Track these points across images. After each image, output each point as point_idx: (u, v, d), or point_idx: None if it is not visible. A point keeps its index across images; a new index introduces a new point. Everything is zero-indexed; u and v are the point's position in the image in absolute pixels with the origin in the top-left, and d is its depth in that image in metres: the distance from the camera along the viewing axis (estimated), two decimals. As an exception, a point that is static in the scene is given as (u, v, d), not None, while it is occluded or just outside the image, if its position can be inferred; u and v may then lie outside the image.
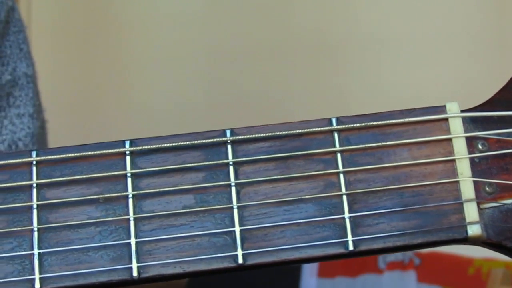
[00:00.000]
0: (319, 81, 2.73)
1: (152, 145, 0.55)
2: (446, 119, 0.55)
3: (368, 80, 2.62)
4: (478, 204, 0.54)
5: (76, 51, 2.98)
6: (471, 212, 0.54)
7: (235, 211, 0.54)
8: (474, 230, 0.54)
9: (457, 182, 0.54)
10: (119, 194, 0.55)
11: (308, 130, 0.55)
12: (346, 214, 0.54)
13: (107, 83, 2.99)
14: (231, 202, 0.54)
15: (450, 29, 2.58)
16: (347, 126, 0.55)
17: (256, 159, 0.55)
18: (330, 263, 2.35)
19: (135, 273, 0.53)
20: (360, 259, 2.35)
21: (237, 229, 0.54)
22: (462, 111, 0.56)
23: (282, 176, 0.55)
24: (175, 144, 0.55)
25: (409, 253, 2.33)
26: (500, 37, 2.44)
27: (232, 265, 0.53)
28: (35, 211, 0.55)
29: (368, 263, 2.32)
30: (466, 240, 0.54)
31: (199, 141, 0.55)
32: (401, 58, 2.62)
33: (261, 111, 2.32)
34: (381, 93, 2.44)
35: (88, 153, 0.56)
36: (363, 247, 0.54)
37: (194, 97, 2.90)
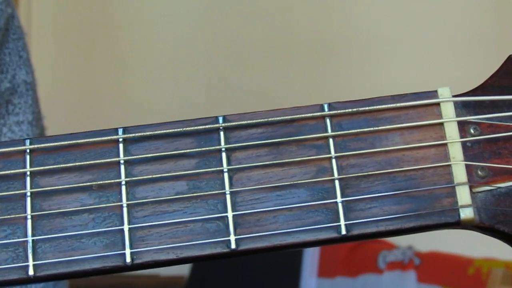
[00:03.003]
0: (317, 79, 2.73)
1: (144, 132, 0.56)
2: (438, 104, 0.56)
3: (366, 78, 2.62)
4: (471, 187, 0.54)
5: (76, 51, 2.98)
6: (463, 195, 0.54)
7: (228, 196, 0.54)
8: (466, 214, 0.54)
9: (449, 166, 0.54)
10: (112, 181, 0.55)
11: (300, 116, 0.55)
12: (339, 199, 0.54)
13: (106, 83, 2.99)
14: (224, 188, 0.54)
15: (448, 27, 2.58)
16: (339, 111, 0.55)
17: (248, 145, 0.55)
18: (330, 263, 2.35)
19: (128, 259, 0.54)
20: (360, 259, 2.34)
21: (229, 214, 0.54)
22: (454, 96, 0.56)
23: (274, 162, 0.55)
24: (167, 131, 0.56)
25: (409, 253, 2.33)
26: (499, 36, 2.44)
27: (225, 250, 0.54)
28: (28, 199, 0.55)
29: (368, 263, 2.32)
30: (459, 223, 0.54)
31: (192, 128, 0.56)
32: (398, 57, 2.62)
33: (259, 109, 2.32)
34: (378, 90, 2.44)
35: (81, 141, 0.56)
36: (355, 232, 0.54)
37: (192, 96, 2.90)
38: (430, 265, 2.31)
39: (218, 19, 2.91)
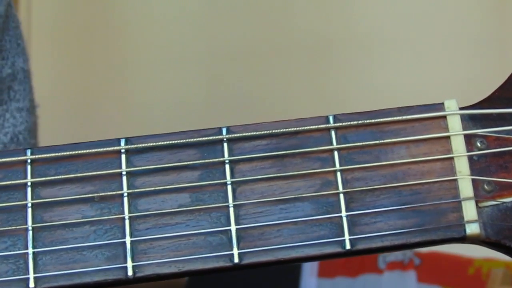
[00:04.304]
0: (317, 81, 2.73)
1: (147, 143, 0.55)
2: (445, 117, 0.55)
3: (366, 80, 2.62)
4: (477, 202, 0.53)
5: (76, 51, 2.97)
6: (469, 210, 0.53)
7: (231, 209, 0.54)
8: (472, 229, 0.53)
9: (456, 180, 0.54)
10: (114, 192, 0.54)
11: (305, 128, 0.55)
12: (343, 213, 0.53)
13: (106, 84, 2.99)
14: (227, 201, 0.54)
15: (448, 28, 2.57)
16: (344, 124, 0.55)
17: (252, 157, 0.54)
18: (330, 263, 2.34)
19: (130, 273, 0.53)
20: (360, 259, 2.34)
21: (233, 228, 0.53)
22: (461, 109, 0.55)
23: (278, 175, 0.54)
24: (170, 142, 0.55)
25: (409, 253, 2.32)
26: (500, 38, 2.44)
27: (228, 264, 0.53)
28: (29, 210, 0.54)
29: (368, 263, 2.32)
30: (465, 239, 0.53)
31: (195, 139, 0.55)
32: (399, 58, 2.62)
33: (260, 111, 2.31)
34: (379, 93, 2.44)
35: (83, 151, 0.55)
36: (360, 246, 0.53)
37: (192, 98, 2.89)
38: (430, 265, 2.31)
39: (219, 20, 2.90)
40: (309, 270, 2.33)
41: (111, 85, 2.97)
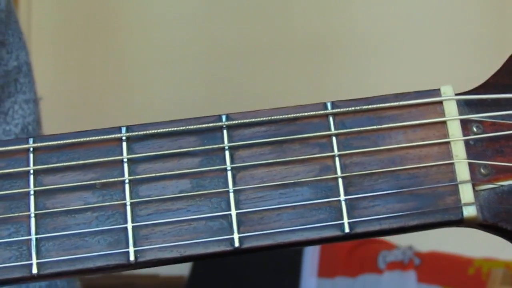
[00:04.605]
0: (317, 79, 2.73)
1: (148, 130, 0.56)
2: (441, 102, 0.56)
3: (367, 77, 2.62)
4: (474, 185, 0.54)
5: (76, 51, 2.98)
6: (466, 193, 0.54)
7: (231, 195, 0.54)
8: (469, 212, 0.54)
9: (452, 164, 0.54)
10: (116, 179, 0.55)
11: (304, 114, 0.56)
12: (342, 197, 0.54)
13: (106, 83, 2.99)
14: (227, 186, 0.54)
15: (448, 26, 2.58)
16: (342, 110, 0.56)
17: (251, 143, 0.55)
18: (330, 263, 2.35)
19: (132, 257, 0.54)
20: (360, 259, 2.34)
21: (233, 212, 0.54)
22: (457, 94, 0.56)
23: (277, 160, 0.55)
24: (171, 129, 0.56)
25: (409, 253, 2.33)
26: (499, 35, 2.44)
27: (229, 248, 0.54)
28: (32, 197, 0.55)
29: (368, 263, 2.32)
30: (462, 221, 0.54)
31: (195, 126, 0.56)
32: (399, 57, 2.62)
33: (259, 108, 2.32)
34: (380, 90, 2.44)
35: (85, 139, 0.56)
36: (359, 230, 0.54)
37: (193, 96, 2.90)
38: (430, 265, 2.32)
39: (219, 19, 2.91)
40: (309, 270, 2.34)
41: (111, 83, 2.98)
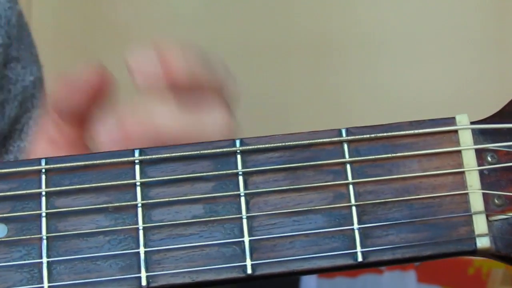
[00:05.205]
0: (320, 81, 2.73)
1: (161, 154, 0.56)
2: (456, 131, 0.55)
3: (369, 81, 2.62)
4: (487, 216, 0.54)
5: (76, 51, 2.97)
6: (480, 224, 0.54)
7: (244, 221, 0.54)
8: (483, 243, 0.54)
9: (467, 194, 0.54)
10: (129, 203, 0.55)
11: (318, 141, 0.55)
12: (355, 225, 0.54)
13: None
14: (241, 212, 0.54)
15: (452, 30, 2.58)
16: (356, 137, 0.55)
17: (265, 169, 0.55)
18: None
19: (144, 283, 0.53)
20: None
21: (246, 239, 0.54)
22: (472, 123, 0.56)
23: (291, 187, 0.55)
24: (184, 153, 0.55)
25: (409, 253, 2.33)
26: (502, 38, 2.44)
27: (241, 275, 0.54)
28: (44, 220, 0.55)
29: (368, 263, 2.33)
30: (475, 252, 0.54)
31: (209, 151, 0.55)
32: (403, 60, 2.62)
33: (260, 111, 2.32)
34: (382, 94, 2.44)
35: (98, 161, 0.56)
36: (372, 259, 0.54)
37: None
38: (430, 265, 2.32)
39: (220, 20, 2.90)
40: (310, 270, 2.34)
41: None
